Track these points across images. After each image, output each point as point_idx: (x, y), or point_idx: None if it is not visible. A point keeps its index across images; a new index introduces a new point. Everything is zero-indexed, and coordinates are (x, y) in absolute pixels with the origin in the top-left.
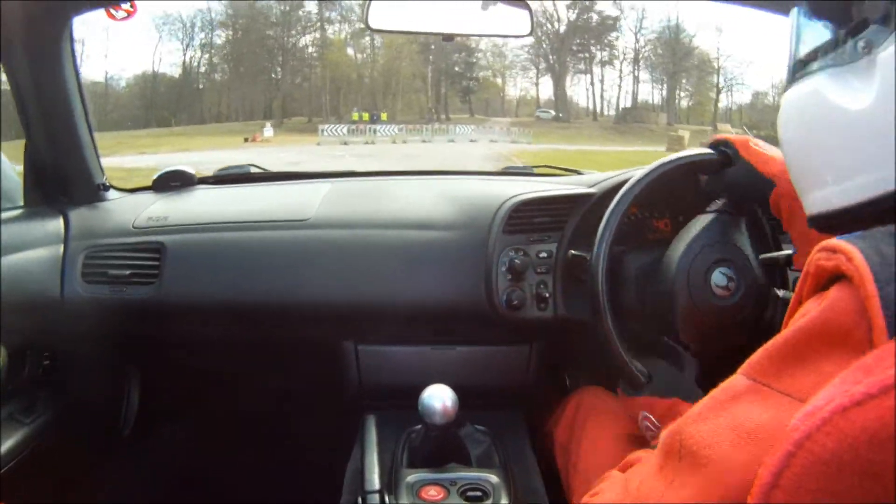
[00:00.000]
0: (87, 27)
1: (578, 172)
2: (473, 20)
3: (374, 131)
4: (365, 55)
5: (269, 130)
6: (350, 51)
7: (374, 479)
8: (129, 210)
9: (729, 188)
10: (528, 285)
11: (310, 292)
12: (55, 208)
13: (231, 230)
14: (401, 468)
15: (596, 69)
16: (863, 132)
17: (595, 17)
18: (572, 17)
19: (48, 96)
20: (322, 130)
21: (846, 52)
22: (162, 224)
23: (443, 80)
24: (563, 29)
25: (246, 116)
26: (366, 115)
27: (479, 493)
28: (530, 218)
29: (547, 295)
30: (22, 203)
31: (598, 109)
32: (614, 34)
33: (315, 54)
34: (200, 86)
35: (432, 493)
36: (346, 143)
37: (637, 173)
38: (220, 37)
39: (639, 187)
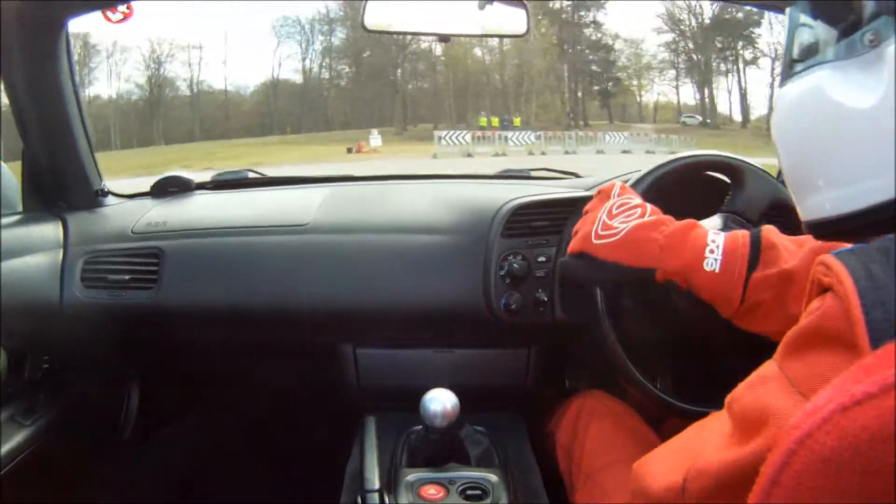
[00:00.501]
0: (205, 34)
1: (577, 175)
2: (470, 20)
3: (506, 139)
4: (493, 52)
5: (375, 139)
6: (478, 51)
7: (374, 479)
8: (128, 215)
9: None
10: (526, 289)
11: (308, 296)
12: (54, 213)
13: (230, 235)
14: (400, 468)
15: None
16: (866, 133)
17: (739, 12)
18: (716, 9)
19: (45, 101)
20: (438, 139)
21: (852, 46)
22: (161, 229)
23: (579, 81)
24: (705, 23)
25: (373, 123)
26: (495, 120)
27: (478, 492)
28: (529, 222)
29: (545, 299)
30: (20, 208)
31: (744, 114)
32: (757, 30)
33: (437, 53)
34: (325, 92)
35: (432, 491)
36: (469, 155)
37: (634, 175)
38: (338, 37)
39: (638, 190)
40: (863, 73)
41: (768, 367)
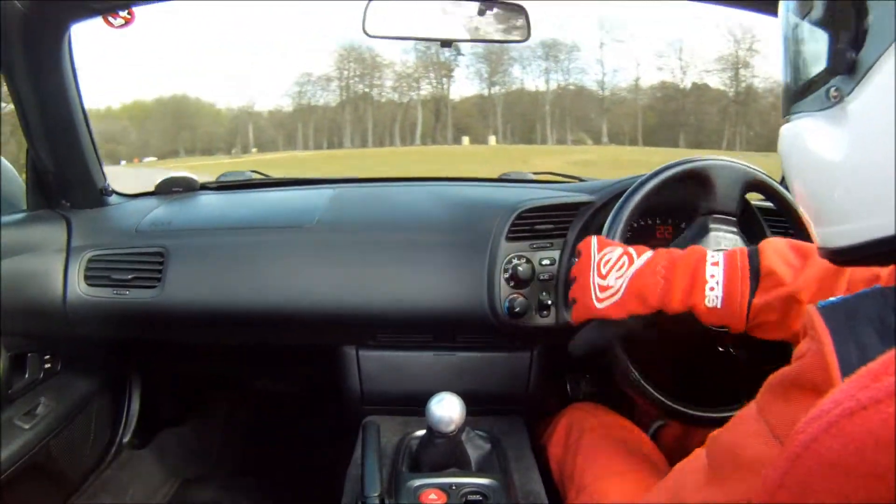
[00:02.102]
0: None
1: (579, 179)
2: (471, 26)
3: None
4: None
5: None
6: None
7: (375, 484)
8: (132, 215)
9: None
10: (530, 293)
11: (312, 297)
12: (57, 212)
13: (234, 235)
14: (401, 473)
15: None
16: (842, 183)
17: None
18: None
19: (48, 102)
20: None
21: (820, 99)
22: (165, 229)
23: None
24: None
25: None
26: None
27: (479, 498)
28: (533, 225)
29: (549, 302)
30: (25, 207)
31: None
32: None
33: None
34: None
35: (432, 497)
36: None
37: (639, 179)
38: None
39: (641, 194)
40: (832, 127)
41: (748, 410)
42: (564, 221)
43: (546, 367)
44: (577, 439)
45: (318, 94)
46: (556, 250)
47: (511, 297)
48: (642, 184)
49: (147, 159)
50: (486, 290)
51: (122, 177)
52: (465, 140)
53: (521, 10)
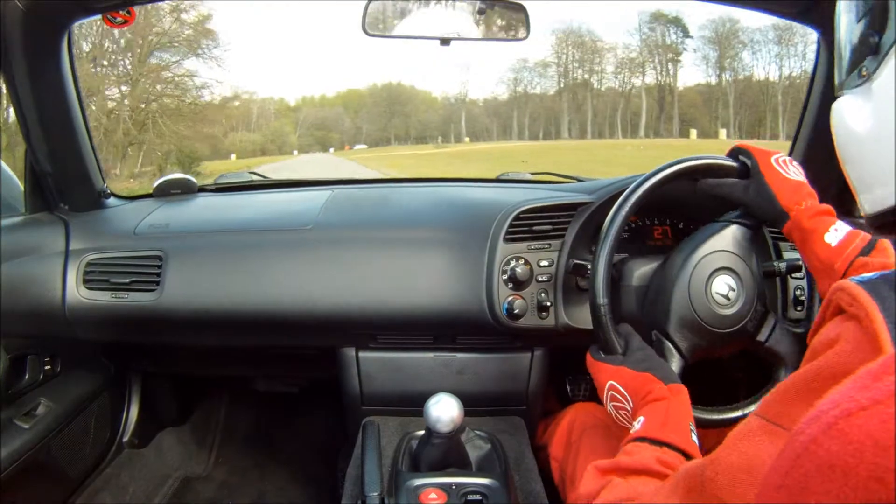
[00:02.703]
0: None
1: (578, 179)
2: (470, 25)
3: None
4: None
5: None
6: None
7: (375, 483)
8: (130, 217)
9: (741, 202)
10: (529, 294)
11: (311, 299)
12: (56, 215)
13: (232, 237)
14: (401, 472)
15: None
16: (868, 153)
17: None
18: None
19: (47, 104)
20: None
21: (854, 78)
22: (163, 231)
23: None
24: None
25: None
26: None
27: (479, 498)
28: (531, 226)
29: (548, 304)
30: (23, 210)
31: None
32: None
33: None
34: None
35: (432, 496)
36: None
37: (637, 179)
38: None
39: (639, 194)
40: (862, 102)
41: (749, 426)
42: (562, 222)
43: (546, 367)
44: (578, 439)
45: (535, 80)
46: (555, 251)
47: (510, 298)
48: (640, 184)
49: (358, 147)
50: (485, 292)
51: (313, 163)
52: (693, 133)
53: (521, 9)
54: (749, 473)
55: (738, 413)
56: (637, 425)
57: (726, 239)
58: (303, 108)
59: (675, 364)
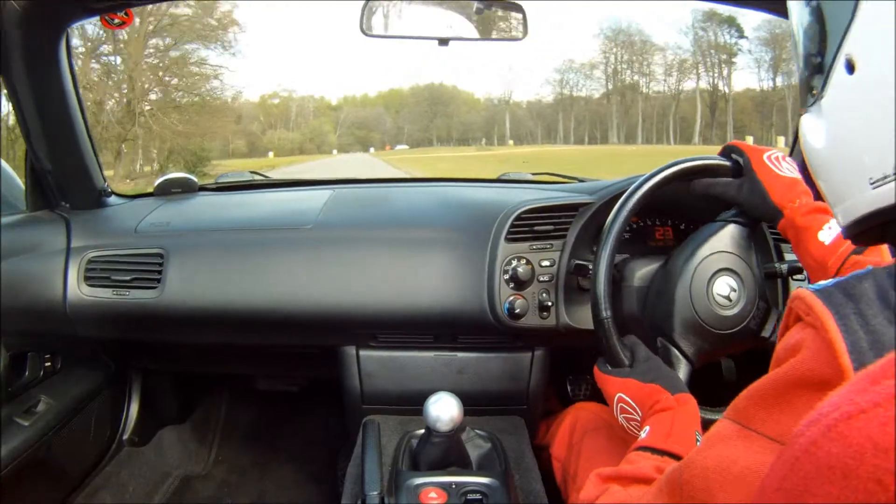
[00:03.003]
0: None
1: (580, 180)
2: (468, 25)
3: None
4: None
5: None
6: None
7: (375, 482)
8: (131, 215)
9: (735, 200)
10: (530, 294)
11: (312, 298)
12: (57, 213)
13: (233, 236)
14: (401, 472)
15: None
16: (827, 168)
17: None
18: None
19: (47, 102)
20: None
21: (807, 97)
22: (164, 229)
23: None
24: None
25: None
26: None
27: (479, 497)
28: (533, 226)
29: (549, 304)
30: (24, 208)
31: None
32: None
33: None
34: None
35: (433, 495)
36: None
37: (638, 180)
38: None
39: (640, 194)
40: (817, 120)
41: (721, 430)
42: (564, 222)
43: (546, 367)
44: (579, 440)
45: (581, 82)
46: (556, 251)
47: (511, 298)
48: (640, 185)
49: (399, 147)
50: (486, 292)
51: (352, 163)
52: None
53: (519, 9)
54: (722, 475)
55: None
56: (643, 435)
57: (725, 240)
58: (344, 108)
59: (683, 371)
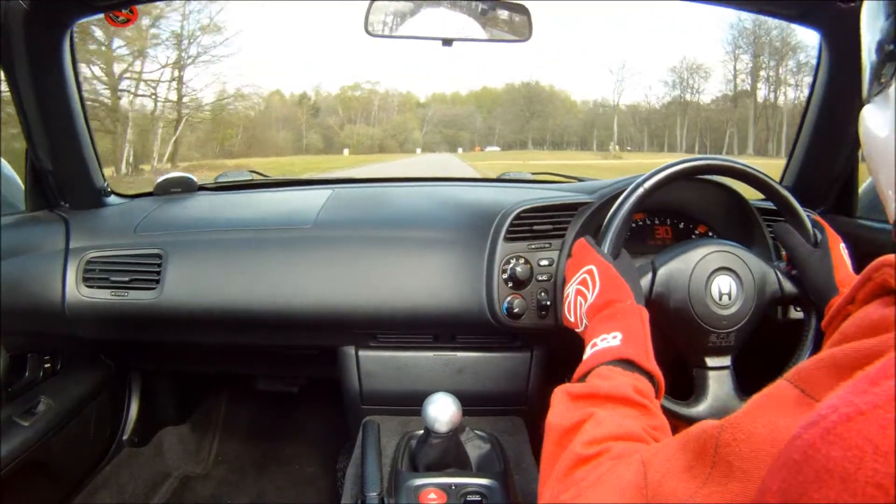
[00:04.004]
0: None
1: (579, 179)
2: (473, 26)
3: None
4: None
5: None
6: None
7: (375, 483)
8: (131, 215)
9: (802, 260)
10: (529, 293)
11: (311, 298)
12: (56, 213)
13: (232, 236)
14: (401, 472)
15: None
16: (887, 155)
17: None
18: None
19: (48, 102)
20: None
21: (875, 85)
22: (163, 230)
23: None
24: None
25: None
26: None
27: (478, 498)
28: (532, 225)
29: (548, 303)
30: (24, 208)
31: None
32: None
33: None
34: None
35: (432, 497)
36: None
37: (637, 180)
38: None
39: (637, 195)
40: (882, 109)
41: (782, 390)
42: (563, 222)
43: (546, 367)
44: None
45: (698, 85)
46: (555, 251)
47: (510, 298)
48: (640, 184)
49: (489, 148)
50: (485, 291)
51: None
52: None
53: (523, 10)
54: (773, 447)
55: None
56: (614, 341)
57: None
58: (432, 105)
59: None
